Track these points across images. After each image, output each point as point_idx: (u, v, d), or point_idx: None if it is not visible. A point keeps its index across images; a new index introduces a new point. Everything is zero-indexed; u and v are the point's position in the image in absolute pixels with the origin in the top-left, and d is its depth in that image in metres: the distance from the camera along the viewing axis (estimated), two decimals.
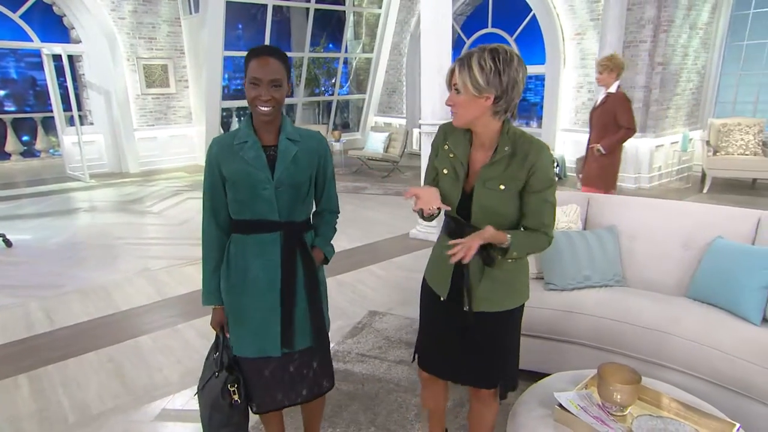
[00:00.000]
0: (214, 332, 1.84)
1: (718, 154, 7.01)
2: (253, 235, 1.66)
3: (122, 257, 4.76)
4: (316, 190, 1.79)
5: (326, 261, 1.83)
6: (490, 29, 9.28)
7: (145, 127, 8.89)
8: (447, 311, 1.73)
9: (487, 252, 1.60)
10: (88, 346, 3.14)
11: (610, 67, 3.94)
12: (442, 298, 1.73)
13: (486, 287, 1.65)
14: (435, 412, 2.07)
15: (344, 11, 10.84)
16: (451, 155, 1.65)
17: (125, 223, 5.95)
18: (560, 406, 1.67)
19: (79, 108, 8.44)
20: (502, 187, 1.57)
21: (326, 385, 1.87)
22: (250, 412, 1.84)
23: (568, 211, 2.82)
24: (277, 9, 9.23)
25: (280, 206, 1.63)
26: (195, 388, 2.68)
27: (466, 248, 1.49)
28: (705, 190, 6.92)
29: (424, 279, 1.86)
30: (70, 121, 8.30)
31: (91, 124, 8.73)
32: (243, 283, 1.69)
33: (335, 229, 1.90)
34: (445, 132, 1.69)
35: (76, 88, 8.50)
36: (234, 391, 1.72)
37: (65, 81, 8.01)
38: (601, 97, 4.13)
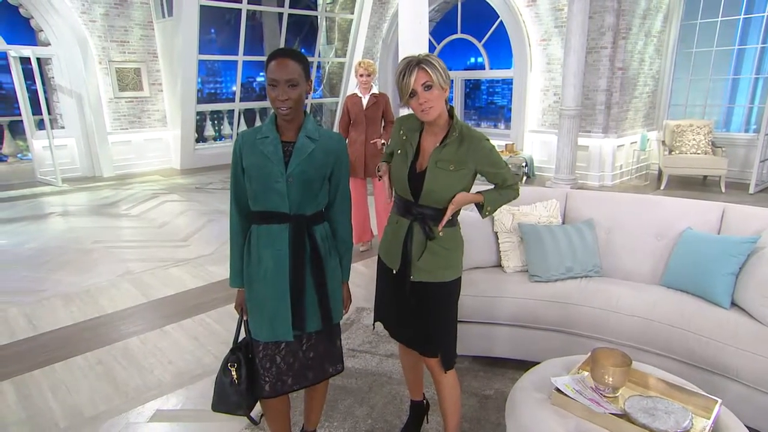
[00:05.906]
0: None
1: (673, 153, 7.36)
2: (264, 226, 1.74)
3: (103, 261, 4.69)
4: (330, 189, 1.83)
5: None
6: (459, 35, 9.46)
7: (119, 131, 8.73)
8: (397, 281, 1.96)
9: (428, 227, 1.87)
10: (75, 350, 3.10)
11: (370, 71, 4.42)
12: (394, 271, 1.96)
13: (426, 259, 1.89)
14: (412, 379, 2.30)
15: (317, 17, 10.89)
16: (404, 137, 1.93)
17: (103, 226, 5.84)
18: (557, 390, 1.72)
19: (49, 112, 8.21)
20: (452, 167, 1.82)
21: (330, 370, 1.94)
22: (258, 403, 1.89)
23: (548, 206, 2.96)
24: (249, 14, 9.21)
25: (291, 199, 1.70)
26: (189, 388, 2.72)
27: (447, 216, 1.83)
28: (662, 187, 7.26)
29: (378, 255, 2.09)
30: (39, 125, 8.07)
31: (62, 127, 8.49)
32: (257, 273, 1.77)
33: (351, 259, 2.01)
34: (401, 122, 1.99)
35: (45, 92, 8.28)
36: (233, 371, 1.80)
37: (33, 84, 7.77)
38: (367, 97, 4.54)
